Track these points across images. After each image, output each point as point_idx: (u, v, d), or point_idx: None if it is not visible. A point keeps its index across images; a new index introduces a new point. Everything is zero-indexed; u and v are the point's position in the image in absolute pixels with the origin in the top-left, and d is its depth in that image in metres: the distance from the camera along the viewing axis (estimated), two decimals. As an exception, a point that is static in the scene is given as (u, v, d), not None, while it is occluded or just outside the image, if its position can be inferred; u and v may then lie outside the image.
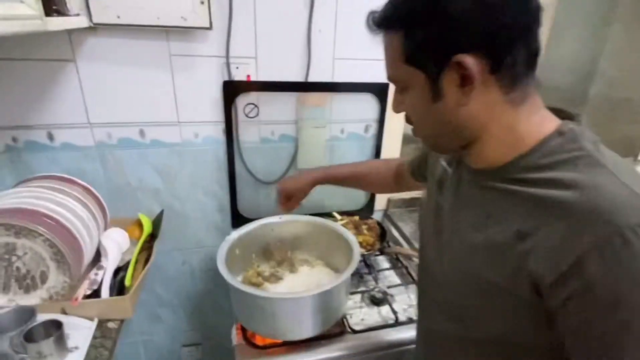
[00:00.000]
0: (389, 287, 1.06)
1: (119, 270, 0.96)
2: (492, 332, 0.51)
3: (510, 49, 0.42)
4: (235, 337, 0.90)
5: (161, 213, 1.11)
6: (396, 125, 1.27)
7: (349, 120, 1.22)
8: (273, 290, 0.98)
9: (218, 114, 1.10)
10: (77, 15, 0.89)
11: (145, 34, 0.97)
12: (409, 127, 0.54)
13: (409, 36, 0.45)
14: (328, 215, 1.27)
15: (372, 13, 0.49)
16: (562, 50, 1.45)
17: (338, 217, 1.26)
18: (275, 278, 1.01)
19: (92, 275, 0.90)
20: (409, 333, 0.93)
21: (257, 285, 0.97)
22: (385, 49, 0.50)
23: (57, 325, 0.75)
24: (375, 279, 1.08)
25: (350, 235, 0.99)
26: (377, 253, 1.17)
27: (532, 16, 0.43)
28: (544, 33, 1.35)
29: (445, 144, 0.53)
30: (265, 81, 1.09)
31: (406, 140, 1.34)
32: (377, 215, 1.39)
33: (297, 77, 1.11)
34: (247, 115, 1.12)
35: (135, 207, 1.14)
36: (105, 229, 1.02)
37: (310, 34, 1.07)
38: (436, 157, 0.65)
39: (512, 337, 0.48)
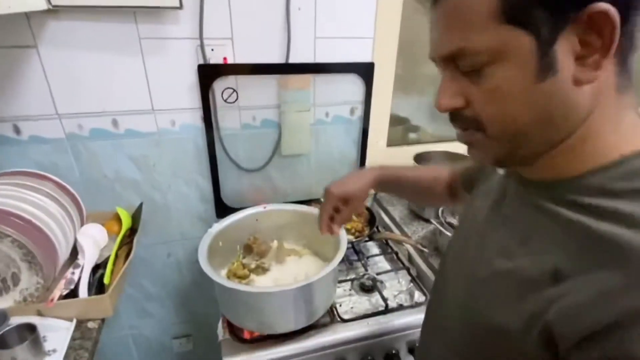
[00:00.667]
0: (378, 273, 1.04)
1: (98, 268, 0.93)
2: None
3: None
4: (222, 331, 0.88)
5: (140, 206, 1.07)
6: (383, 106, 1.23)
7: (334, 103, 1.18)
8: (259, 282, 0.96)
9: (195, 100, 1.05)
10: (34, -4, 0.83)
11: (111, 16, 0.91)
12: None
13: None
14: (316, 201, 1.24)
15: None
16: None
17: (326, 203, 1.23)
18: (261, 270, 0.98)
19: (68, 274, 0.86)
20: (399, 320, 0.92)
21: (242, 278, 0.95)
22: (453, 7, 0.35)
23: (31, 328, 0.72)
24: (365, 266, 1.07)
25: None
26: (366, 239, 1.15)
27: None
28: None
29: (532, 146, 0.37)
30: (244, 63, 1.04)
31: (393, 121, 1.31)
32: (367, 201, 1.36)
33: (277, 58, 1.06)
34: (225, 101, 1.07)
35: (114, 201, 1.10)
36: (82, 225, 0.98)
37: (289, 12, 1.01)
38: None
39: None
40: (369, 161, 1.28)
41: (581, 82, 0.33)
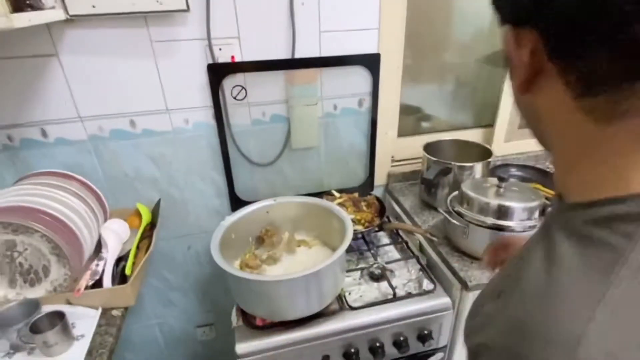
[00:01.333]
0: (388, 262, 1.06)
1: (121, 260, 0.99)
2: None
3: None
4: (235, 319, 0.93)
5: (158, 202, 1.13)
6: (391, 96, 1.23)
7: (341, 96, 1.19)
8: (271, 271, 1.00)
9: (206, 99, 1.09)
10: (53, 8, 0.89)
11: (123, 22, 0.96)
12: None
13: None
14: (327, 194, 1.27)
15: None
16: None
17: (337, 195, 1.26)
18: (272, 260, 1.02)
19: (93, 266, 0.93)
20: (407, 307, 0.94)
21: (254, 268, 0.98)
22: None
23: (61, 315, 0.79)
24: (375, 256, 1.08)
25: (343, 213, 0.99)
26: (376, 229, 1.16)
27: None
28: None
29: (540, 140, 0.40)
30: (251, 61, 1.07)
31: (404, 111, 1.31)
32: (378, 191, 1.38)
33: (283, 54, 1.08)
34: (235, 98, 1.11)
35: (134, 197, 1.16)
36: (105, 220, 1.05)
37: (293, 7, 1.03)
38: None
39: None
40: (379, 152, 1.29)
41: (524, 92, 0.35)
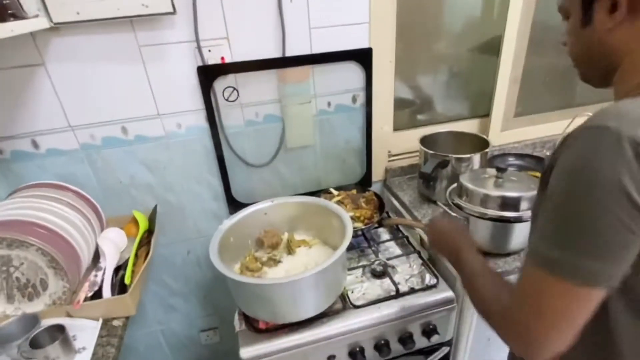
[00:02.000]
0: (389, 258, 1.06)
1: (120, 269, 0.98)
2: None
3: None
4: (238, 323, 0.92)
5: (155, 208, 1.12)
6: (385, 90, 1.23)
7: (335, 92, 1.18)
8: (272, 273, 0.99)
9: (198, 102, 1.08)
10: (36, 16, 0.87)
11: (109, 27, 0.94)
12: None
13: None
14: (325, 192, 1.26)
15: None
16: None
17: (335, 192, 1.25)
18: (273, 262, 1.01)
19: (91, 277, 0.92)
20: (410, 303, 0.94)
21: (255, 271, 0.98)
22: None
23: (61, 329, 0.78)
24: (376, 252, 1.08)
25: (341, 211, 0.98)
26: (376, 226, 1.16)
27: None
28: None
29: (588, 71, 0.56)
30: (241, 61, 1.05)
31: (399, 105, 1.30)
32: (376, 187, 1.37)
33: (274, 53, 1.07)
34: (227, 100, 1.09)
35: (130, 205, 1.15)
36: (102, 229, 1.03)
37: (281, 5, 1.02)
38: None
39: None
40: (375, 147, 1.29)
41: (610, 29, 0.48)
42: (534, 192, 0.88)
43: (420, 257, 1.06)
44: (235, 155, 1.18)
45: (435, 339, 0.97)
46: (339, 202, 1.17)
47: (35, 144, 1.03)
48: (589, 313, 0.45)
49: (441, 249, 0.77)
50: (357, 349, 0.92)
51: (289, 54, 1.07)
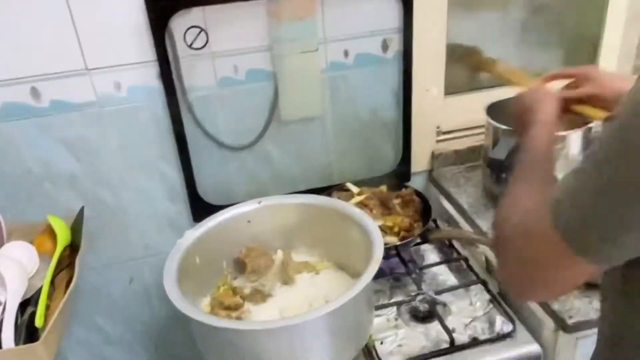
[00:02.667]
0: (438, 292, 1.06)
1: (28, 304, 0.97)
2: None
3: None
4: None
5: (81, 212, 1.11)
6: (434, 33, 1.22)
7: (356, 36, 1.17)
8: (259, 313, 0.99)
9: (146, 50, 1.07)
10: None
11: None
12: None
13: None
14: (339, 189, 1.26)
15: None
16: None
17: (354, 190, 1.25)
18: (260, 295, 1.02)
19: (-17, 316, 0.91)
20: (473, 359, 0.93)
21: (233, 309, 0.98)
22: None
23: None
24: (418, 282, 1.08)
25: (365, 218, 1.00)
26: (419, 241, 1.16)
27: None
28: None
29: None
30: (213, -13, 1.04)
31: (452, 55, 1.30)
32: (417, 182, 1.38)
33: (262, -26, 1.07)
34: (190, 46, 1.08)
35: (44, 206, 1.14)
36: (1, 244, 1.02)
37: None
38: None
39: None
40: (416, 121, 1.29)
41: None
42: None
43: (487, 289, 1.06)
44: (202, 132, 1.17)
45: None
46: (361, 205, 1.17)
47: None
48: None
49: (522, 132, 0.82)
50: None
51: (285, -25, 1.06)
